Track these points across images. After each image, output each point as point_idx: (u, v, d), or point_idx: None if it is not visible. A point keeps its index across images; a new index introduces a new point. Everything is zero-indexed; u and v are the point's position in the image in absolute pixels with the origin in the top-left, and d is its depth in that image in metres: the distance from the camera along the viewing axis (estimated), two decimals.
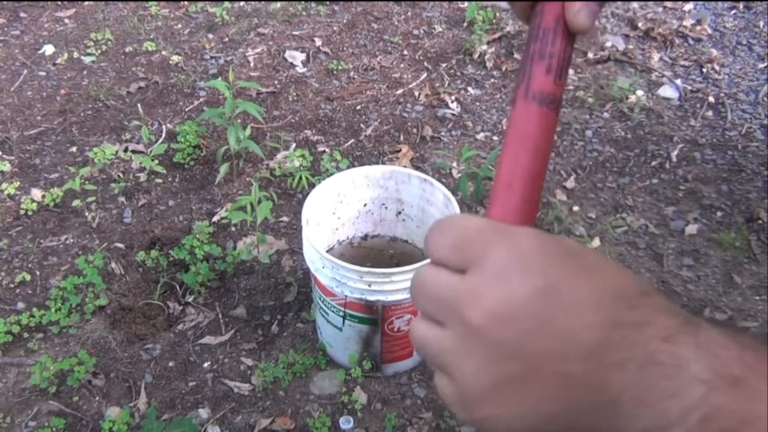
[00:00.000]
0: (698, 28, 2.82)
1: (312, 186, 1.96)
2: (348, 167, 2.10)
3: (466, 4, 2.91)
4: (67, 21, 2.87)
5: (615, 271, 0.41)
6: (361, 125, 2.34)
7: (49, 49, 2.70)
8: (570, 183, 2.12)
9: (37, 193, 2.05)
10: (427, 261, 0.44)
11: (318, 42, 2.71)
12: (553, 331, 0.38)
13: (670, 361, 0.37)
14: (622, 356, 0.38)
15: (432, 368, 0.42)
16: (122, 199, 2.06)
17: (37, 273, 1.85)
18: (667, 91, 2.50)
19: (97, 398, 1.58)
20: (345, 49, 2.70)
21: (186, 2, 2.96)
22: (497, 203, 0.45)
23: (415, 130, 2.32)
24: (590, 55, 2.66)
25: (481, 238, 0.41)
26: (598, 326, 0.38)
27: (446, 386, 0.42)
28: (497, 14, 2.80)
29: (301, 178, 2.05)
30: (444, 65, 2.61)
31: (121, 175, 2.14)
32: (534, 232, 0.41)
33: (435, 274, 0.42)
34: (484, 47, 2.64)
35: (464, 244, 0.41)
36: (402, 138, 2.29)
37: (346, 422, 1.50)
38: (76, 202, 1.99)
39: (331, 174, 1.90)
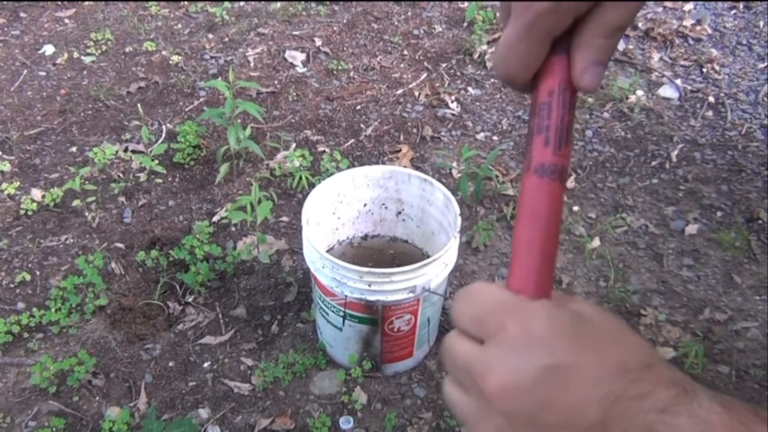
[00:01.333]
0: (698, 28, 2.82)
1: (312, 186, 1.96)
2: (348, 167, 2.10)
3: (466, 4, 2.91)
4: (67, 21, 2.87)
5: (621, 343, 0.44)
6: (361, 125, 2.34)
7: (49, 49, 2.70)
8: (570, 183, 2.11)
9: (37, 193, 2.05)
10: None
11: (318, 42, 2.71)
12: (559, 406, 0.41)
13: None
14: (623, 429, 0.41)
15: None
16: (122, 199, 2.06)
17: (37, 273, 1.85)
18: (667, 91, 2.50)
19: (97, 398, 1.58)
20: (345, 49, 2.70)
21: (186, 2, 2.97)
22: (512, 274, 0.48)
23: (415, 130, 2.32)
24: None
25: (497, 313, 0.45)
26: (601, 401, 0.41)
27: None
28: (497, 14, 2.80)
29: (301, 178, 2.05)
30: (444, 65, 2.61)
31: (121, 175, 2.14)
32: (544, 311, 0.44)
33: (458, 342, 0.46)
34: (484, 47, 2.64)
35: (482, 317, 0.45)
36: (402, 138, 2.29)
37: (346, 422, 1.50)
38: (76, 202, 1.99)
39: (331, 174, 1.90)
